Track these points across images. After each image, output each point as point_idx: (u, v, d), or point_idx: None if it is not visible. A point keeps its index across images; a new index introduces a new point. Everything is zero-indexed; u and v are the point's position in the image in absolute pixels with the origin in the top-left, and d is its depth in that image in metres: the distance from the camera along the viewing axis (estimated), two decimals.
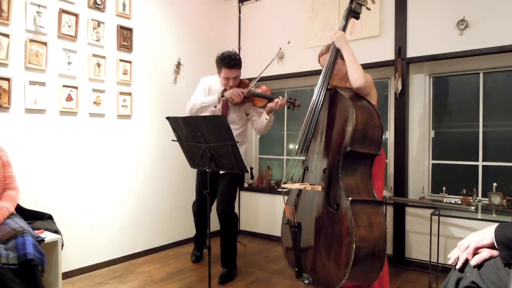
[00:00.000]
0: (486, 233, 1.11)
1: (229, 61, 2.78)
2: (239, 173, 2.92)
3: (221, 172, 2.95)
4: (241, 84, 2.91)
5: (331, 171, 2.00)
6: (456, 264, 1.15)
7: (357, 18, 2.29)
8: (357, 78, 2.08)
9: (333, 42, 2.20)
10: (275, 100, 2.76)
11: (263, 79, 4.21)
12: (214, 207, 3.25)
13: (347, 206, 1.84)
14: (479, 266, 1.09)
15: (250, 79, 3.00)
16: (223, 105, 2.92)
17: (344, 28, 2.23)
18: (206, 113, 2.90)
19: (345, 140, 1.94)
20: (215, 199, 3.10)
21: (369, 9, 2.35)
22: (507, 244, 1.03)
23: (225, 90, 2.90)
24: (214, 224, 4.10)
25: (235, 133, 2.84)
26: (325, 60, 2.29)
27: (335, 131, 2.05)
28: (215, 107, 2.86)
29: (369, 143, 1.98)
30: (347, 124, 1.95)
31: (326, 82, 2.13)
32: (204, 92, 3.01)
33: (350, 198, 1.84)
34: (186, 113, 2.97)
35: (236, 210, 4.32)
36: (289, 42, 3.19)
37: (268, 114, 2.88)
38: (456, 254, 1.16)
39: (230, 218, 2.98)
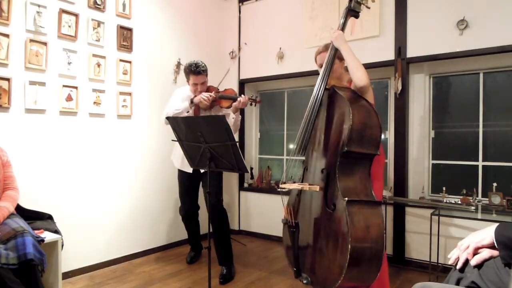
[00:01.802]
0: (486, 233, 1.11)
1: (196, 68, 2.97)
2: (218, 173, 3.09)
3: (202, 171, 3.06)
4: (209, 90, 3.08)
5: (329, 171, 1.99)
6: (456, 264, 1.15)
7: (357, 17, 2.27)
8: (361, 77, 2.07)
9: (332, 41, 2.19)
10: (238, 98, 2.94)
11: (263, 79, 4.22)
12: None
13: (343, 206, 1.83)
14: (479, 266, 1.09)
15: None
16: (195, 111, 3.07)
17: (343, 27, 2.21)
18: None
19: (342, 140, 1.93)
20: (197, 206, 3.34)
21: (368, 8, 2.33)
22: (507, 244, 1.03)
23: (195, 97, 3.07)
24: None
25: None
26: (322, 59, 2.29)
27: (332, 131, 2.04)
28: (188, 112, 3.00)
29: (367, 143, 1.96)
30: (344, 123, 1.94)
31: (324, 81, 2.12)
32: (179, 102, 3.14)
33: (346, 199, 1.83)
34: (162, 122, 3.07)
35: (236, 210, 4.36)
36: (245, 44, 3.41)
37: (234, 113, 3.02)
38: (456, 254, 1.16)
39: (220, 213, 3.04)
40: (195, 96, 3.00)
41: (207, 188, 2.42)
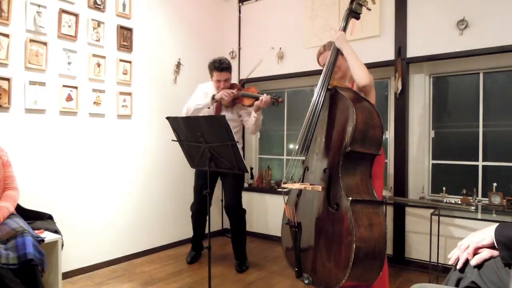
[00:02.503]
0: (486, 233, 1.11)
1: (219, 65, 3.02)
2: (241, 174, 3.17)
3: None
4: (232, 87, 3.12)
5: (331, 171, 1.99)
6: (457, 264, 1.15)
7: (358, 18, 2.28)
8: (363, 76, 2.07)
9: (333, 42, 2.21)
10: (260, 97, 2.94)
11: (263, 79, 4.22)
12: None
13: (347, 206, 1.84)
14: (479, 266, 1.09)
15: (245, 79, 3.14)
16: (217, 107, 3.11)
17: (344, 28, 2.22)
18: (201, 114, 3.05)
19: (345, 140, 1.94)
20: (210, 201, 3.27)
21: (369, 10, 2.34)
22: (507, 244, 1.03)
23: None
24: (214, 224, 4.11)
25: None
26: (325, 59, 2.31)
27: (335, 131, 2.05)
28: (209, 108, 3.05)
29: (369, 143, 1.98)
30: (347, 124, 1.95)
31: (326, 82, 2.12)
32: (201, 97, 3.18)
33: (350, 198, 1.84)
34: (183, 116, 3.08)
35: None
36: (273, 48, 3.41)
37: (256, 112, 3.03)
38: (456, 254, 1.16)
39: (239, 214, 3.20)
40: (221, 92, 3.02)
41: (208, 188, 2.42)
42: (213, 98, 3.03)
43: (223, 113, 3.14)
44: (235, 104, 3.14)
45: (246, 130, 4.42)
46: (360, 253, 1.77)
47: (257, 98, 2.98)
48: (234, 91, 2.99)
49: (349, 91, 2.09)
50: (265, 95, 2.94)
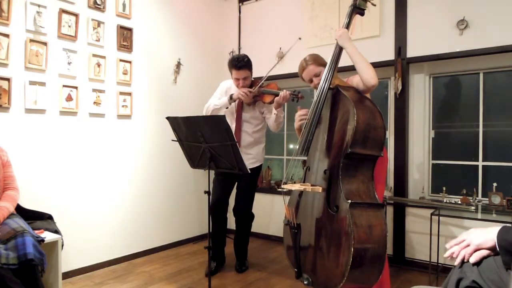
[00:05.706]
0: (488, 235, 1.10)
1: (237, 63, 2.94)
2: (256, 174, 3.17)
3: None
4: (253, 84, 3.03)
5: (332, 172, 1.98)
6: (456, 262, 1.15)
7: (362, 14, 2.22)
8: (372, 75, 2.00)
9: (336, 40, 2.16)
10: (280, 93, 2.84)
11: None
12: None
13: (346, 208, 1.82)
14: (478, 263, 1.09)
15: (258, 78, 3.09)
16: (238, 105, 3.06)
17: (347, 25, 2.16)
18: (221, 114, 3.05)
19: (345, 141, 1.92)
20: (227, 200, 3.26)
21: (374, 5, 2.30)
22: (509, 250, 1.03)
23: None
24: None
25: (249, 131, 3.05)
26: (309, 74, 2.31)
27: (336, 132, 2.03)
28: (227, 108, 3.00)
29: (371, 144, 1.94)
30: (348, 124, 1.93)
31: (328, 81, 2.10)
32: (221, 94, 3.15)
33: (350, 201, 1.82)
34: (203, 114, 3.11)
35: None
36: (300, 38, 3.27)
37: (276, 109, 2.93)
38: (455, 250, 1.16)
39: (246, 217, 3.18)
40: (237, 91, 2.97)
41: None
42: (230, 98, 2.96)
43: (245, 111, 3.08)
44: (256, 102, 3.06)
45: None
46: (358, 256, 1.76)
47: (276, 95, 2.87)
48: (252, 89, 2.91)
49: (351, 91, 2.06)
50: (284, 91, 2.84)
